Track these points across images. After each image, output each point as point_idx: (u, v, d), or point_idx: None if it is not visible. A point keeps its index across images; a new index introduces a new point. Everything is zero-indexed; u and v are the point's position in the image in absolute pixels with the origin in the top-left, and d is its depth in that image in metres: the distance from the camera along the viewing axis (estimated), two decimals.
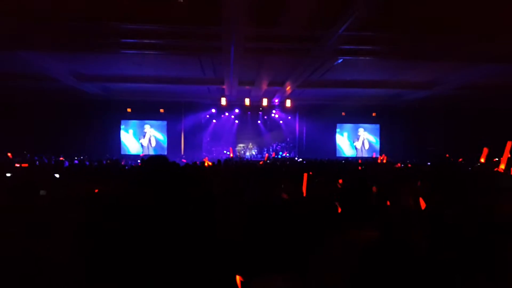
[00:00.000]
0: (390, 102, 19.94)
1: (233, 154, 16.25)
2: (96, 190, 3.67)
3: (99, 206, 2.89)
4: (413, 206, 3.73)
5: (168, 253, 1.75)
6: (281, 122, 22.15)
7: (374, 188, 3.73)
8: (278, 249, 2.29)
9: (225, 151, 21.00)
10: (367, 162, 13.66)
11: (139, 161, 13.91)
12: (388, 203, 3.64)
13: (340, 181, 4.59)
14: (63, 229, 2.09)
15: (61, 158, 14.95)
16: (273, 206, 2.75)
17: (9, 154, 13.82)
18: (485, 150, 6.67)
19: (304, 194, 3.59)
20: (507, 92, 15.76)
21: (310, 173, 4.31)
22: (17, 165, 9.81)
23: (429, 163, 12.67)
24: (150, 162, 2.15)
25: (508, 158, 5.59)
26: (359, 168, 9.49)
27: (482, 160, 8.14)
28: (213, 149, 21.53)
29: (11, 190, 3.42)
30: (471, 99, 18.26)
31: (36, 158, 14.75)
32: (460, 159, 14.17)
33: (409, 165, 11.88)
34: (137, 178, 2.21)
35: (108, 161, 13.79)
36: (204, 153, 20.71)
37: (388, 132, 21.68)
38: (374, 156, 20.36)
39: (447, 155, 15.52)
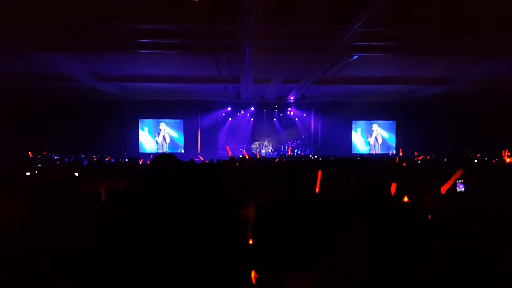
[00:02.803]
0: (406, 98, 19.73)
1: (247, 155, 16.27)
2: (113, 188, 3.74)
3: (115, 204, 2.95)
4: (431, 203, 3.70)
5: (179, 250, 1.78)
6: (296, 119, 22.11)
7: (393, 185, 3.70)
8: (293, 247, 2.31)
9: (240, 149, 21.10)
10: (384, 159, 13.55)
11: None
12: (406, 200, 3.63)
13: (355, 179, 4.59)
14: (78, 227, 2.14)
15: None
16: (288, 205, 2.76)
17: (29, 153, 14.14)
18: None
19: (317, 191, 3.61)
20: None
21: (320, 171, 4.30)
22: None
23: (445, 159, 12.51)
24: (155, 161, 2.18)
25: None
26: (377, 164, 9.41)
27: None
28: (229, 146, 21.64)
29: (31, 189, 3.51)
30: (488, 94, 17.93)
31: (56, 157, 15.06)
32: (478, 155, 13.98)
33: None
34: (144, 177, 2.25)
35: (126, 160, 13.99)
36: (220, 151, 20.83)
37: (404, 129, 21.46)
38: (390, 154, 20.14)
39: (466, 151, 15.32)
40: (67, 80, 14.77)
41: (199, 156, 15.53)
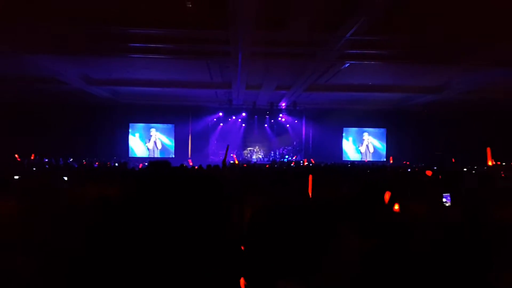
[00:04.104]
0: (397, 106, 19.89)
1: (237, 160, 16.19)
2: (105, 192, 3.72)
3: (107, 208, 2.93)
4: (423, 212, 3.72)
5: (171, 255, 1.77)
6: (287, 126, 22.16)
7: (387, 194, 3.71)
8: (283, 253, 2.30)
9: (232, 154, 21.06)
10: (377, 166, 13.57)
11: (146, 163, 13.99)
12: (397, 209, 3.64)
13: (346, 185, 4.60)
14: (71, 230, 2.12)
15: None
16: (280, 210, 2.75)
17: (16, 156, 13.95)
18: (489, 151, 6.61)
19: (310, 196, 3.62)
20: None
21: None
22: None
23: (435, 168, 12.61)
24: (152, 167, 2.18)
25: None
26: (367, 171, 9.46)
27: (490, 163, 8.10)
28: (220, 152, 21.59)
29: (21, 192, 3.48)
30: (479, 103, 18.16)
31: (46, 160, 14.88)
32: (453, 160, 14.19)
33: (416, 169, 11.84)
34: (140, 182, 2.24)
35: (116, 164, 13.88)
36: (211, 157, 20.79)
37: (395, 136, 21.61)
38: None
39: (453, 160, 15.47)
40: (57, 83, 14.64)
41: (189, 160, 15.45)
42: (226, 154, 7.32)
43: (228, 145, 7.54)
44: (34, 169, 9.57)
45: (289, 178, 5.27)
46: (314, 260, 2.21)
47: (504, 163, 12.81)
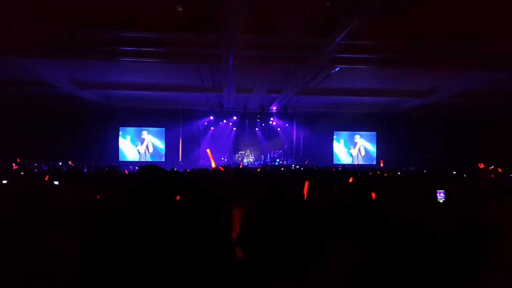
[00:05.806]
0: (387, 110, 20.03)
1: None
2: (98, 196, 3.69)
3: (99, 212, 2.90)
4: (411, 214, 3.74)
5: (167, 259, 1.76)
6: (278, 129, 22.19)
7: (373, 195, 3.76)
8: (278, 255, 2.31)
9: (223, 158, 21.05)
10: (366, 170, 13.62)
11: (136, 167, 13.90)
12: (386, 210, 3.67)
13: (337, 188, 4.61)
14: (63, 234, 2.10)
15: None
16: (275, 211, 2.77)
17: (14, 165, 13.70)
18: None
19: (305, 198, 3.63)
20: (503, 100, 15.87)
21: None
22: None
23: (425, 171, 12.72)
24: (143, 173, 2.17)
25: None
26: (358, 174, 9.50)
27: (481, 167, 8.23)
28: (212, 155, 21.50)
29: (10, 196, 3.43)
30: (468, 107, 18.37)
31: (35, 164, 14.70)
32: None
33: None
34: (132, 187, 2.23)
35: (106, 169, 13.77)
36: (202, 160, 20.73)
37: (385, 140, 21.72)
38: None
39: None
40: (46, 86, 14.51)
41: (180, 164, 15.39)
42: (211, 158, 7.31)
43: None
44: (22, 173, 9.44)
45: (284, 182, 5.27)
46: (309, 260, 2.20)
47: (493, 167, 12.99)
